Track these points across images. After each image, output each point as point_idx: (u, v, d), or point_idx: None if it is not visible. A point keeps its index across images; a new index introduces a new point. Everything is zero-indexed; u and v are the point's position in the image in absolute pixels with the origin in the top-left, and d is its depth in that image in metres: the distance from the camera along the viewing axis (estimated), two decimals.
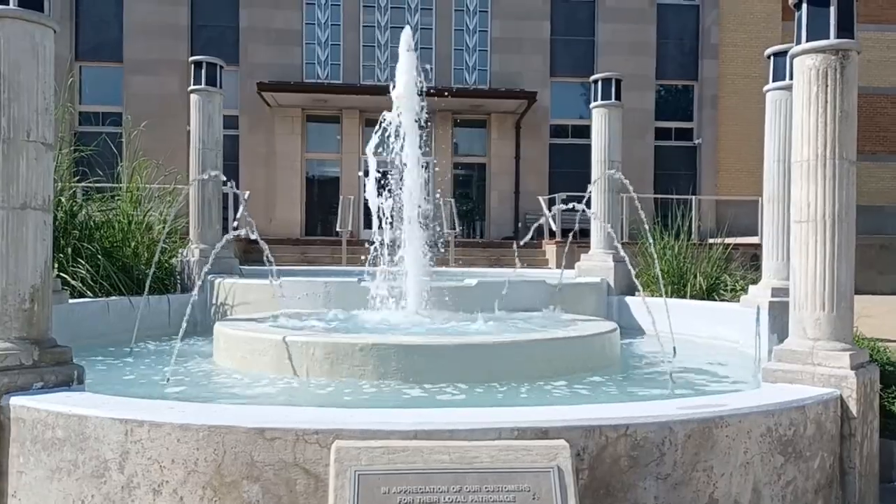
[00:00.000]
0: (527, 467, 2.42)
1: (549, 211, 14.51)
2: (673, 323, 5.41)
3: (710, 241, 8.60)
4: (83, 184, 7.01)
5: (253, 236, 4.41)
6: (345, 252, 13.62)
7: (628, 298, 6.72)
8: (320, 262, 13.64)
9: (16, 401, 2.76)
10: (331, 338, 3.90)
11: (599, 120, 7.09)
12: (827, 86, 3.15)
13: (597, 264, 7.01)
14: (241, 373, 4.05)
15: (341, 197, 15.50)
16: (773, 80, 5.44)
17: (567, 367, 4.03)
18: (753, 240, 13.44)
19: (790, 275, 3.30)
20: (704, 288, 6.84)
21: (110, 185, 7.36)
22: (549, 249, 14.22)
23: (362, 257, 5.39)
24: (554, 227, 13.95)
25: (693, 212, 11.89)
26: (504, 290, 5.26)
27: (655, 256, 4.70)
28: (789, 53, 3.36)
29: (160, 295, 6.21)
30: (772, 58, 5.47)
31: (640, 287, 4.59)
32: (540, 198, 16.02)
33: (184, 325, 4.17)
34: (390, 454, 2.41)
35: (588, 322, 4.94)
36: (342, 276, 6.64)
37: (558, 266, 13.22)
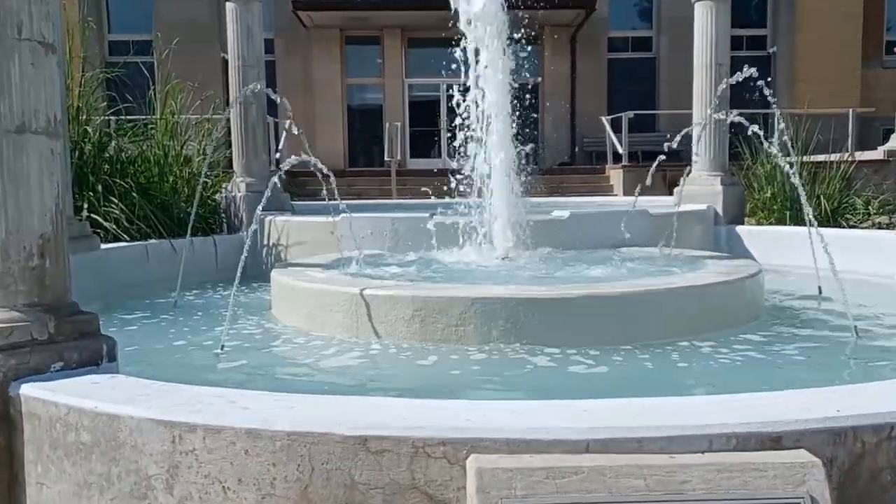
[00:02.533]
0: (764, 497, 1.62)
1: (615, 133, 13.30)
2: (797, 255, 4.68)
3: (817, 157, 7.56)
4: (111, 113, 6.23)
5: (318, 165, 3.62)
6: (394, 183, 12.77)
7: (739, 228, 5.78)
8: (368, 194, 12.83)
9: (27, 390, 2.04)
10: (420, 290, 3.09)
11: (704, 16, 5.97)
12: None
13: (701, 189, 6.03)
14: (307, 334, 3.30)
15: (387, 124, 14.52)
16: None
17: (714, 322, 3.19)
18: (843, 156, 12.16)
19: None
20: (829, 212, 5.87)
21: (143, 116, 6.59)
22: (615, 174, 13.08)
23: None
24: (620, 150, 12.81)
25: (776, 127, 10.69)
26: (623, 223, 4.39)
27: (791, 172, 3.83)
28: None
29: (204, 237, 5.50)
30: None
31: (807, 211, 3.67)
32: (603, 118, 14.76)
33: (238, 273, 3.43)
34: (557, 478, 1.62)
35: (725, 261, 4.07)
36: (407, 210, 5.83)
37: (625, 193, 12.26)
